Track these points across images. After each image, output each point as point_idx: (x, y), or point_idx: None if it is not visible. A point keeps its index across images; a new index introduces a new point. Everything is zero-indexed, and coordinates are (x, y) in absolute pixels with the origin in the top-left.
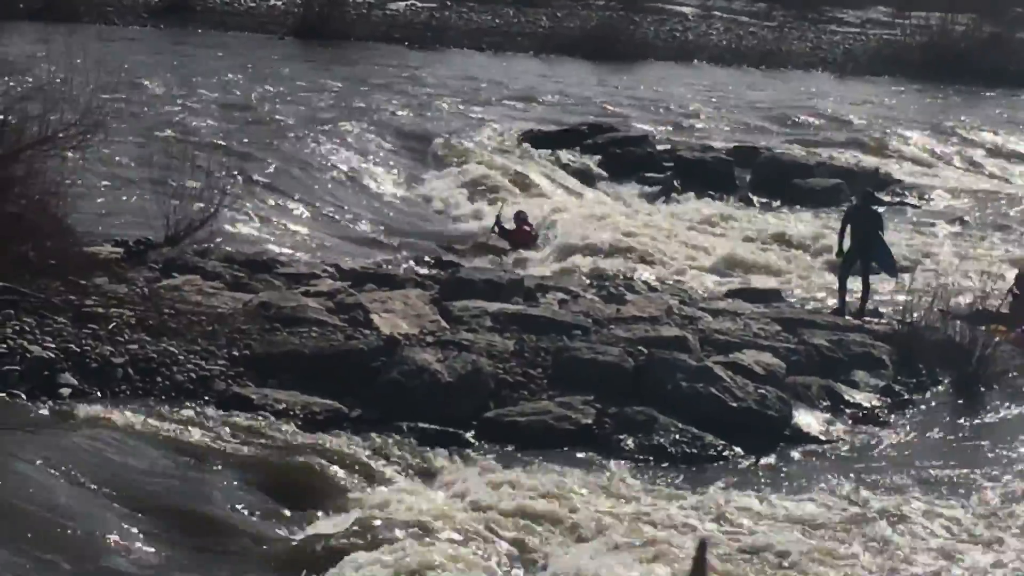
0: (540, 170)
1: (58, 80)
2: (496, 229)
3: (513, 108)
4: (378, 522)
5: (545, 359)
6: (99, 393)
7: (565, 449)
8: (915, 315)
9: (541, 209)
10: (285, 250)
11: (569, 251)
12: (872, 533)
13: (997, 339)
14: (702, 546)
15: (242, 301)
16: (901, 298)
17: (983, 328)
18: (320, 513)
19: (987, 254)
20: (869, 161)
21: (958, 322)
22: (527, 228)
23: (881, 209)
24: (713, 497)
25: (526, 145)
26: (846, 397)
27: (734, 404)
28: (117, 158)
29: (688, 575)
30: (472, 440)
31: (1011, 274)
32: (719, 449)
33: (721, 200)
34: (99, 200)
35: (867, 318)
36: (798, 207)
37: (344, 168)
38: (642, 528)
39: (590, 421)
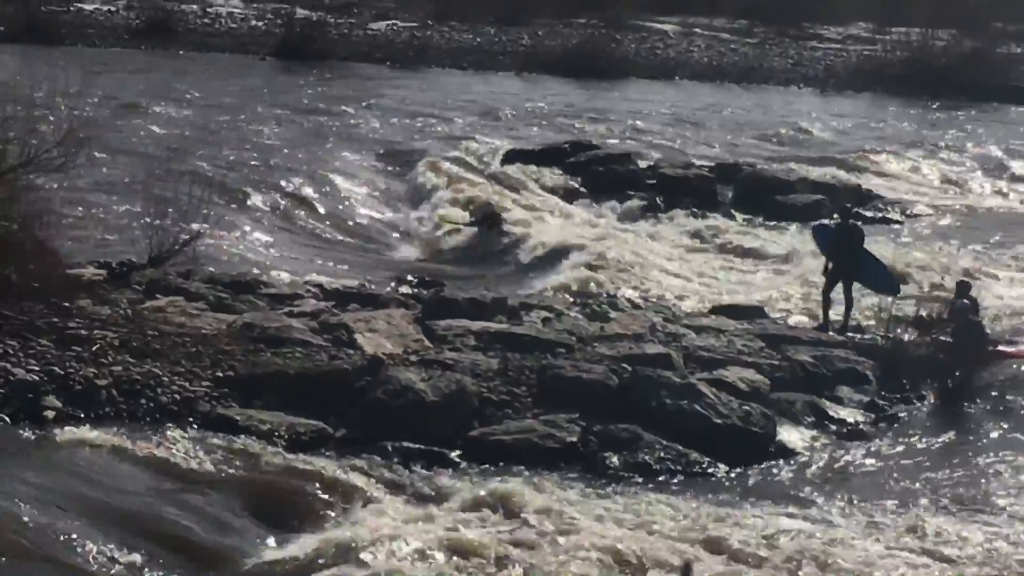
0: (522, 188)
1: (40, 102)
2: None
3: (495, 126)
4: (363, 542)
5: (529, 377)
6: (83, 415)
7: (550, 467)
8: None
9: (525, 226)
10: (268, 271)
11: (552, 269)
12: (857, 548)
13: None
14: (687, 568)
15: (226, 322)
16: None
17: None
18: (305, 533)
19: (969, 267)
20: (851, 177)
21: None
22: (497, 216)
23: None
24: (698, 514)
25: (508, 163)
26: (830, 413)
27: (718, 421)
28: (99, 180)
29: None
30: (457, 459)
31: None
32: (704, 466)
33: (703, 217)
34: (82, 222)
35: (850, 333)
36: (781, 223)
37: (327, 188)
38: (628, 546)
39: (575, 439)
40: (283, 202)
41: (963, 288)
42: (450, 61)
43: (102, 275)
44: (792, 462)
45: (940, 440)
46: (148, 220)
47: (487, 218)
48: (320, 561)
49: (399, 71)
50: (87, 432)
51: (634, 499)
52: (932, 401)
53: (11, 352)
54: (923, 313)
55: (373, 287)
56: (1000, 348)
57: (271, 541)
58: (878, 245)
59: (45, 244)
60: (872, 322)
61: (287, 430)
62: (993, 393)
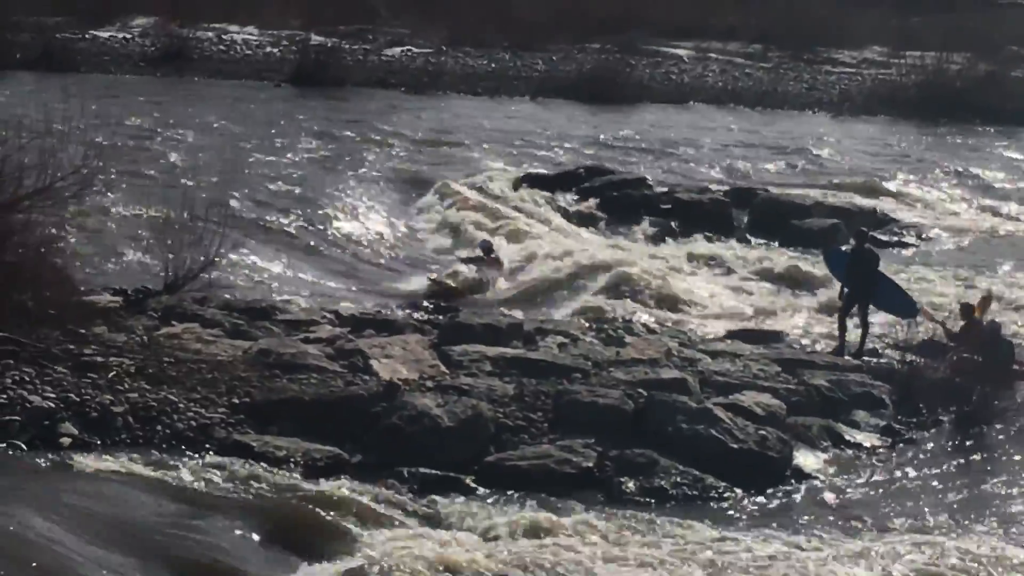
0: (537, 213)
1: (56, 129)
2: (466, 259)
3: (510, 151)
4: (379, 568)
5: (545, 403)
6: (99, 442)
7: (567, 493)
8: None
9: (540, 251)
10: (284, 297)
11: (568, 294)
12: (875, 573)
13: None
14: None
15: (241, 348)
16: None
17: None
18: (322, 560)
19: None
20: (866, 201)
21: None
22: (493, 256)
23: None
24: (715, 539)
25: (523, 188)
26: (847, 437)
27: (735, 445)
28: (115, 207)
29: None
30: (473, 485)
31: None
32: (720, 491)
33: (719, 241)
34: (97, 249)
35: (866, 358)
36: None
37: (341, 214)
38: (644, 571)
39: (591, 464)
40: (298, 228)
41: (967, 310)
42: (465, 87)
43: (118, 302)
44: (808, 487)
45: (958, 464)
46: (163, 247)
47: (485, 253)
48: None
49: (414, 97)
50: (103, 459)
51: (650, 524)
52: (949, 425)
53: (27, 379)
54: (943, 332)
55: (388, 313)
56: None
57: (287, 567)
58: (894, 266)
59: (61, 271)
60: (891, 347)
61: (303, 456)
62: (1011, 415)
